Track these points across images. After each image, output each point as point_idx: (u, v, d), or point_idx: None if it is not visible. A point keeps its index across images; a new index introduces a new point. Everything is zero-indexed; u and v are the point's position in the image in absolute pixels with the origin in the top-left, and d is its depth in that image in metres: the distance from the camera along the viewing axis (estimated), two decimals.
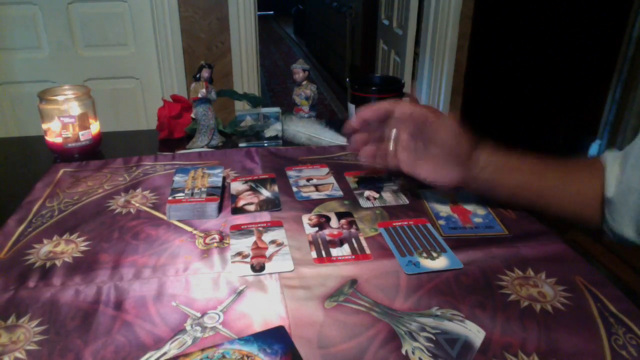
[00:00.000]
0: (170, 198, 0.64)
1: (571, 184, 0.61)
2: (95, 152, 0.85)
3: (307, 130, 0.89)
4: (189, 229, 0.60)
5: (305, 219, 0.62)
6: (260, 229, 0.60)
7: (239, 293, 0.48)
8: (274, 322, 0.44)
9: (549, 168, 0.61)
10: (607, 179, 0.57)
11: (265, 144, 0.88)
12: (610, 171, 0.57)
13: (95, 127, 0.84)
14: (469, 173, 0.60)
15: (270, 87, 4.48)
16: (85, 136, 0.81)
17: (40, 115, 0.81)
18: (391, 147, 0.63)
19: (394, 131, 0.63)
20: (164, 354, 0.41)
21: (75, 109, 0.80)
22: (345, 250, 0.56)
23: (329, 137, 0.88)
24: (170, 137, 0.91)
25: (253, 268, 0.52)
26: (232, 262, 0.53)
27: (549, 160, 0.61)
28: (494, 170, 0.60)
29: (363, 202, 0.67)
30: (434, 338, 0.43)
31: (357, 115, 0.64)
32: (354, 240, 0.58)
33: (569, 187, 0.61)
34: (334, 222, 0.62)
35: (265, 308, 0.46)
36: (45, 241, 0.58)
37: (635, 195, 0.53)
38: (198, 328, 0.44)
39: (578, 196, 0.60)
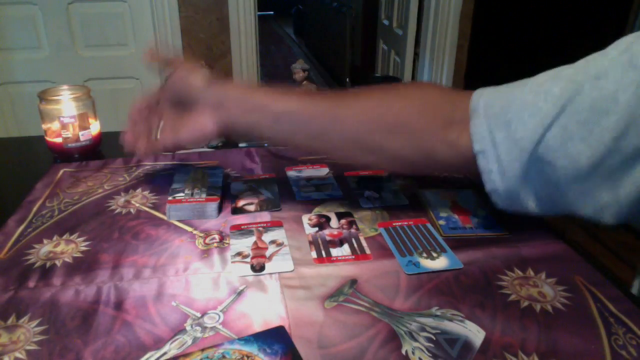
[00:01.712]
0: (170, 198, 0.64)
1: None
2: (95, 152, 0.84)
3: None
4: (189, 229, 0.60)
5: (305, 219, 0.62)
6: (260, 229, 0.60)
7: (239, 293, 0.48)
8: (274, 322, 0.44)
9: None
10: (474, 134, 0.52)
11: (265, 144, 0.88)
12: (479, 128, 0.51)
13: (95, 127, 0.84)
14: (226, 118, 0.58)
15: None
16: (85, 136, 0.81)
17: (40, 115, 0.81)
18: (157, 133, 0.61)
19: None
20: (164, 354, 0.41)
21: (75, 109, 0.80)
22: (345, 250, 0.56)
23: None
24: None
25: (253, 268, 0.52)
26: (232, 262, 0.53)
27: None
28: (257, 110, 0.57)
29: (363, 202, 0.67)
30: (434, 338, 0.43)
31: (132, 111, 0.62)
32: (354, 240, 0.58)
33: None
34: (334, 222, 0.62)
35: (265, 308, 0.46)
36: (45, 241, 0.57)
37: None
38: (198, 328, 0.44)
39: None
